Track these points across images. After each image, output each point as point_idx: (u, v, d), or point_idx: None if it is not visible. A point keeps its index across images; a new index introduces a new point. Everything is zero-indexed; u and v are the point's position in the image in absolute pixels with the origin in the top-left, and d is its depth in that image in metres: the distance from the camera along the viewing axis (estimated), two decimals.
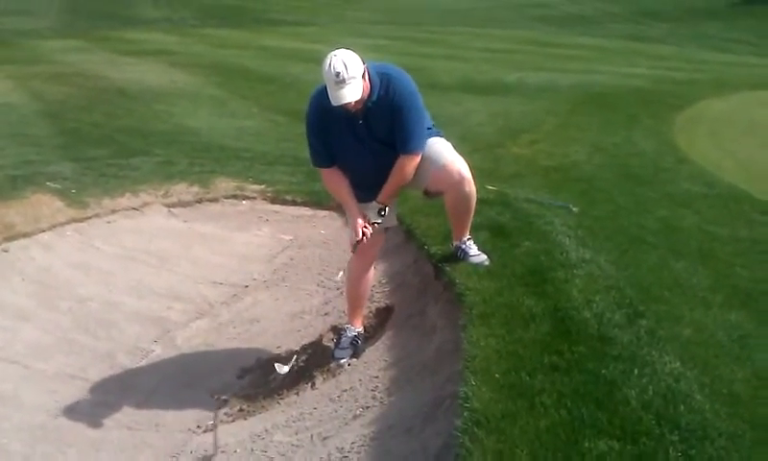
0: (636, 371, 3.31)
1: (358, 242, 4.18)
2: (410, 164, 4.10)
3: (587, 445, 2.80)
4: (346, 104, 3.79)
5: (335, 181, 4.28)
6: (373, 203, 4.19)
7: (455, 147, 4.42)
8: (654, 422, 2.95)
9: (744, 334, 4.08)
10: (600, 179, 7.84)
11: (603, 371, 3.31)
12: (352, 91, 3.77)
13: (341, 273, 4.36)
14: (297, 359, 4.27)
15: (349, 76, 3.73)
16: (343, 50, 3.83)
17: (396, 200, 4.48)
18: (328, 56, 3.79)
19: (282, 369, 4.14)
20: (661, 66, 18.84)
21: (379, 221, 4.21)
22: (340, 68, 3.72)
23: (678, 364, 3.45)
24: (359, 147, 4.10)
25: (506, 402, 3.14)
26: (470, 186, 4.30)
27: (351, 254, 4.32)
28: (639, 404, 3.06)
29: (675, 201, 6.92)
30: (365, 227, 4.15)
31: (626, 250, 5.32)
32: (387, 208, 4.21)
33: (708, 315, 4.34)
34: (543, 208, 5.95)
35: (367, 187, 4.19)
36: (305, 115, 4.14)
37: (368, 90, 3.89)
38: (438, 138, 4.34)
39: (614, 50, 24.16)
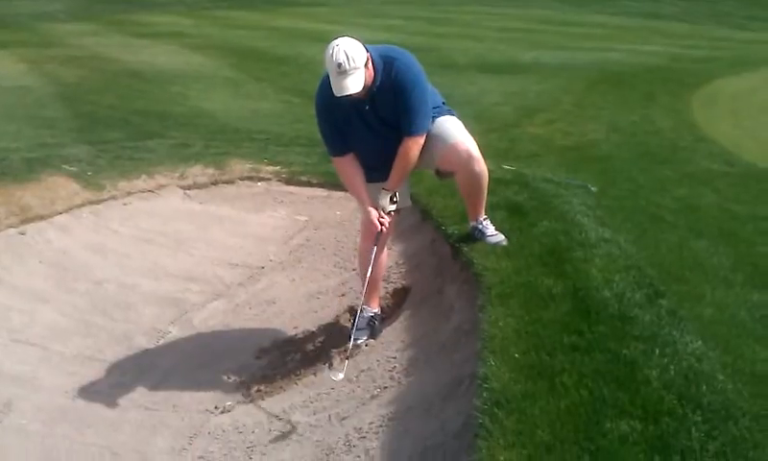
0: (657, 351, 3.27)
1: (380, 233, 4.23)
2: (414, 147, 4.06)
3: (608, 425, 2.77)
4: (348, 95, 3.77)
5: (348, 172, 4.27)
6: (383, 191, 4.17)
7: (469, 127, 4.38)
8: (676, 402, 2.90)
9: (766, 314, 4.04)
10: (618, 158, 7.79)
11: (624, 351, 3.27)
12: (354, 82, 3.75)
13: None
14: (348, 360, 4.15)
15: (351, 67, 3.72)
16: (345, 39, 3.79)
17: (409, 180, 4.46)
18: (330, 45, 3.77)
19: (338, 376, 4.02)
20: (678, 44, 18.65)
21: (393, 208, 4.21)
22: (342, 59, 3.70)
23: (699, 344, 3.40)
24: (367, 131, 4.09)
25: (526, 383, 3.11)
26: (480, 166, 4.27)
27: (375, 248, 4.28)
28: (661, 384, 3.02)
29: (694, 179, 6.87)
30: (381, 217, 4.18)
31: (645, 229, 5.28)
32: (397, 193, 4.19)
33: (729, 294, 4.30)
34: (561, 188, 5.90)
35: (377, 168, 4.17)
36: (314, 105, 4.14)
37: (372, 77, 3.88)
38: (448, 117, 4.31)
39: (631, 28, 23.93)
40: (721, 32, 23.36)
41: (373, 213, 4.18)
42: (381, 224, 4.19)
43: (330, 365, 4.28)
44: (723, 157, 7.64)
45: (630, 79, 12.88)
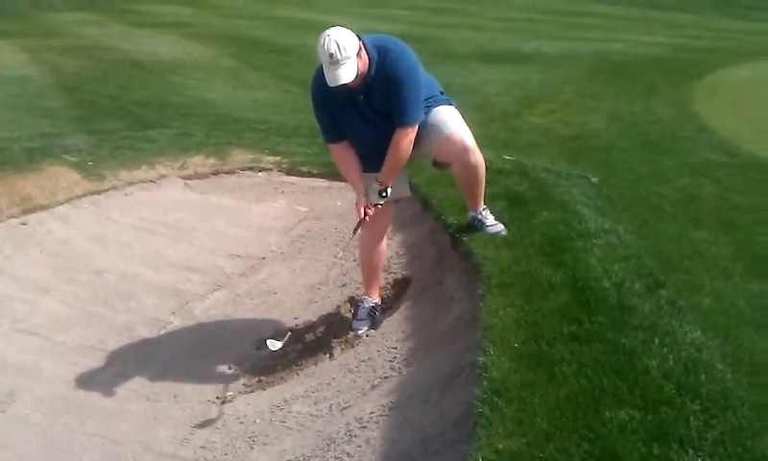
0: (656, 340, 3.28)
1: (360, 222, 4.25)
2: (404, 139, 4.04)
3: (607, 414, 2.78)
4: (341, 85, 3.78)
5: (343, 158, 4.29)
6: (374, 185, 4.17)
7: (470, 117, 4.38)
8: (675, 391, 2.91)
9: (766, 304, 4.05)
10: (618, 148, 7.79)
11: (623, 340, 3.28)
12: (347, 72, 3.76)
13: (340, 252, 4.39)
14: (290, 338, 4.29)
15: (343, 57, 3.72)
16: (337, 29, 3.81)
17: (408, 170, 4.45)
18: (322, 36, 3.78)
19: (275, 345, 4.15)
20: (680, 34, 18.59)
21: (381, 202, 4.20)
22: (333, 49, 3.71)
23: (699, 333, 3.41)
24: (362, 121, 4.09)
25: (525, 372, 3.12)
26: (475, 157, 4.27)
27: (352, 236, 4.35)
28: (660, 374, 3.03)
29: (694, 170, 6.86)
30: (367, 207, 4.19)
31: (645, 219, 5.29)
32: (389, 189, 4.18)
33: (728, 284, 4.31)
34: (561, 178, 5.90)
35: (373, 158, 4.17)
36: (310, 94, 4.15)
37: (365, 67, 3.88)
38: (445, 107, 4.31)
39: (633, 18, 23.86)
40: (723, 22, 23.29)
41: (361, 201, 4.20)
42: (366, 214, 4.20)
43: (331, 355, 4.31)
44: (723, 148, 7.63)
45: (631, 69, 12.85)
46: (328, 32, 3.78)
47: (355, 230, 4.39)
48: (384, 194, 4.17)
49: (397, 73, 3.94)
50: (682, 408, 2.81)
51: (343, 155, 4.27)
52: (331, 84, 3.79)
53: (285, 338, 4.24)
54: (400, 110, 4.00)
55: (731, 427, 2.71)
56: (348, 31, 3.82)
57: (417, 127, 4.06)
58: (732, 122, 8.99)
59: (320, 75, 3.93)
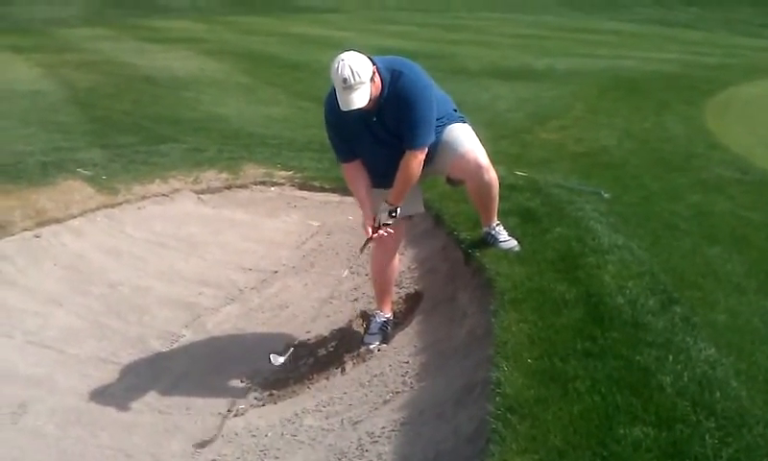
0: (670, 357, 3.26)
1: (367, 241, 4.26)
2: (414, 161, 4.05)
3: (621, 431, 2.76)
4: (353, 110, 3.79)
5: (354, 178, 4.29)
6: (384, 204, 4.18)
7: (482, 133, 4.39)
8: (689, 408, 2.90)
9: None
10: (631, 164, 7.80)
11: (637, 357, 3.26)
12: (360, 97, 3.77)
13: (345, 271, 4.35)
14: (292, 353, 4.30)
15: (356, 82, 3.73)
16: (350, 53, 3.82)
17: (422, 186, 4.46)
18: (336, 60, 3.79)
19: (277, 360, 4.17)
20: (692, 51, 18.62)
21: (390, 223, 4.21)
22: (347, 74, 3.72)
23: (713, 350, 3.39)
24: (375, 141, 4.10)
25: (538, 388, 3.10)
26: (489, 174, 4.27)
27: (359, 253, 4.32)
28: (674, 391, 3.01)
29: (707, 186, 6.86)
30: (374, 227, 4.19)
31: (659, 236, 5.28)
32: (398, 210, 4.19)
33: (742, 301, 4.30)
34: (574, 194, 5.90)
35: (386, 176, 4.17)
36: (324, 114, 4.17)
37: (378, 91, 3.89)
38: (459, 124, 4.32)
39: (644, 35, 23.90)
40: (735, 39, 23.30)
41: (368, 221, 4.20)
42: (374, 233, 4.20)
43: (343, 370, 4.31)
44: (736, 165, 7.63)
45: (643, 85, 12.88)
46: (342, 56, 3.78)
47: (362, 248, 4.40)
48: (394, 214, 4.18)
49: (409, 95, 3.95)
50: (696, 426, 2.79)
51: (354, 174, 4.27)
52: (344, 108, 3.80)
53: (288, 353, 4.27)
54: (411, 134, 4.01)
55: (746, 445, 2.69)
56: (362, 55, 3.83)
57: (426, 149, 4.07)
58: (745, 139, 8.99)
59: (333, 97, 3.93)
